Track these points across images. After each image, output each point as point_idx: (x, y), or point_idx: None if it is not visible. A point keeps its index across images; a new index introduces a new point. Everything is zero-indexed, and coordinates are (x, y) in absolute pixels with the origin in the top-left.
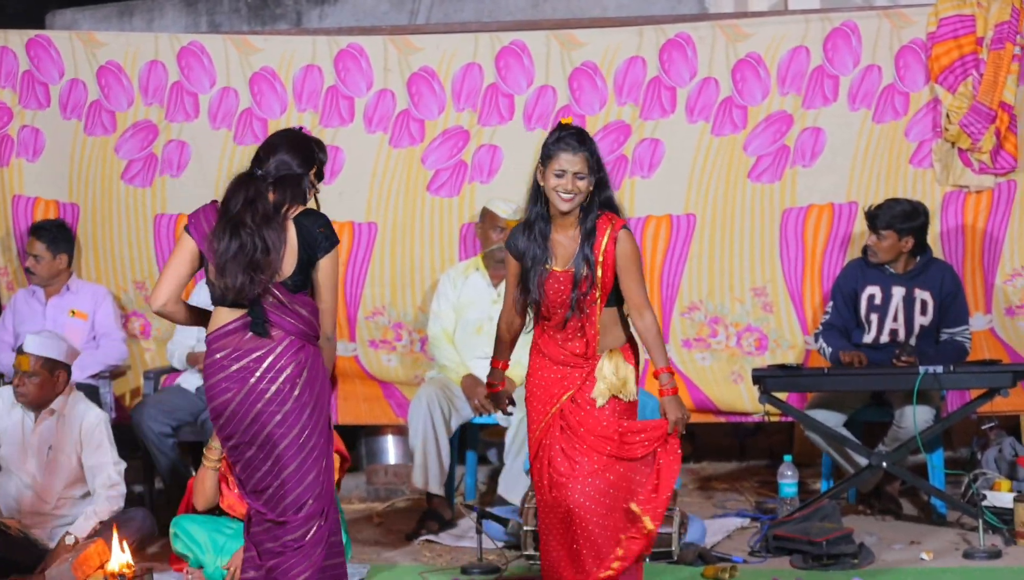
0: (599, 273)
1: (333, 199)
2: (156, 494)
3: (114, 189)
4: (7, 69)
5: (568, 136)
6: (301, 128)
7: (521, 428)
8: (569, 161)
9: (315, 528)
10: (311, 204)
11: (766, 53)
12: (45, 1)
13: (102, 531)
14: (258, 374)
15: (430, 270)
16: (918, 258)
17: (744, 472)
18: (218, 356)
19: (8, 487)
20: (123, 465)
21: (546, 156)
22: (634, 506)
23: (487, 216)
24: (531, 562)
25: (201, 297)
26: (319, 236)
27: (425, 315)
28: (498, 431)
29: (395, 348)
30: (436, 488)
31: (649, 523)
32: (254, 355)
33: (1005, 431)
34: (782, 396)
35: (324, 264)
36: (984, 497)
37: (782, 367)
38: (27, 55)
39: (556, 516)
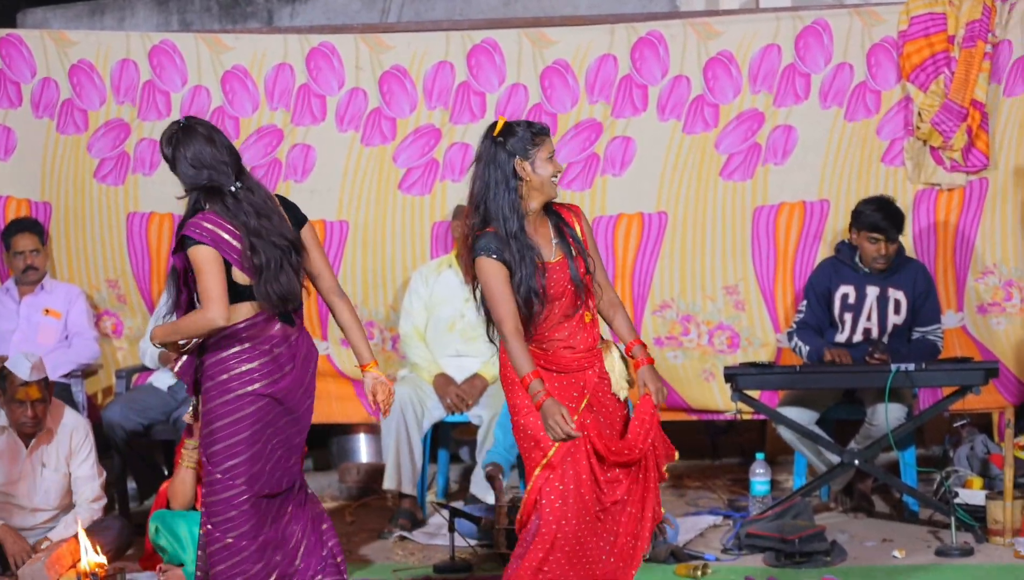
0: (589, 249)
1: (305, 197)
2: (128, 493)
3: (86, 188)
4: None
5: (531, 122)
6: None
7: (492, 426)
8: (551, 143)
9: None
10: None
11: (737, 51)
12: (16, 0)
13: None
14: (297, 358)
15: (402, 269)
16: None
17: (716, 470)
18: (248, 345)
19: None
20: (104, 475)
21: (528, 146)
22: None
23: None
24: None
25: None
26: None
27: (397, 314)
28: (470, 430)
29: None
30: (409, 488)
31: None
32: (289, 340)
33: (977, 429)
34: (754, 394)
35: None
36: (956, 494)
37: (754, 365)
38: None
39: (579, 545)
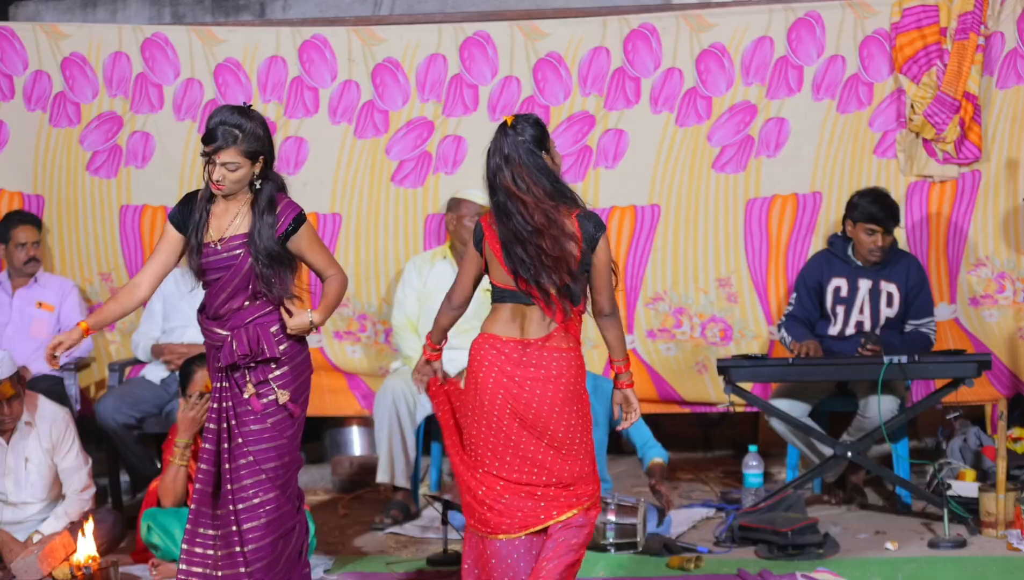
0: None
1: (297, 190)
2: (121, 486)
3: (79, 181)
4: None
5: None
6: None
7: None
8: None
9: None
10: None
11: (730, 43)
12: None
13: (72, 530)
14: None
15: (395, 261)
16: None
17: (709, 462)
18: None
19: None
20: (90, 463)
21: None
22: None
23: (462, 205)
24: None
25: (168, 288)
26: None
27: (390, 306)
28: None
29: (360, 339)
30: (402, 481)
31: None
32: None
33: (970, 421)
34: (747, 386)
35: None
36: (949, 487)
37: (747, 357)
38: None
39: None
